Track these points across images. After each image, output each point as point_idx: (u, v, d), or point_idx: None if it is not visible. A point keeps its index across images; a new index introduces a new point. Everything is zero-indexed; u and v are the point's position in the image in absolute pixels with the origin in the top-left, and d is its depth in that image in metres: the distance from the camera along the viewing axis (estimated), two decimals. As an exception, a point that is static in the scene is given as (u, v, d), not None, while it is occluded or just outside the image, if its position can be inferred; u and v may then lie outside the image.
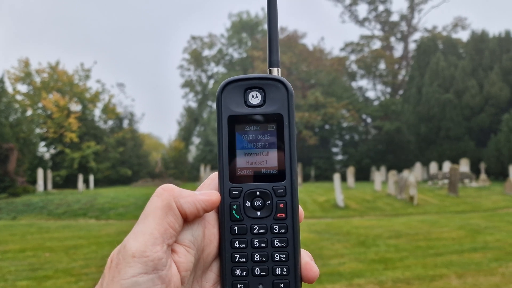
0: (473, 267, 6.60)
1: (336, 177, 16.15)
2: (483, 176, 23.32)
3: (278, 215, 0.57)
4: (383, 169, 31.07)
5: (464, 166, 24.39)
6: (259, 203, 0.57)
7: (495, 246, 8.18)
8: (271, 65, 0.61)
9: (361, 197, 17.98)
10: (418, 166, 29.21)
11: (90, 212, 15.84)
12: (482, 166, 25.82)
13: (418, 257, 7.40)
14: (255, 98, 0.59)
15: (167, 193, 0.53)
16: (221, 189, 0.58)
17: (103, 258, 7.94)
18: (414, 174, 18.50)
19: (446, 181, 21.75)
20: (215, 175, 0.59)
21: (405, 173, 21.70)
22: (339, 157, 40.27)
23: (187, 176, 39.07)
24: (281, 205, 0.57)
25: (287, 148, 0.58)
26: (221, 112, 0.58)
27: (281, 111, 0.58)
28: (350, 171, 24.15)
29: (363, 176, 33.30)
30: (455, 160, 26.34)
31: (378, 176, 21.51)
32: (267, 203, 0.57)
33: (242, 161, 0.58)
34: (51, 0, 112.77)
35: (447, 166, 24.59)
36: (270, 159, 0.58)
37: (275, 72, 0.61)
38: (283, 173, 0.58)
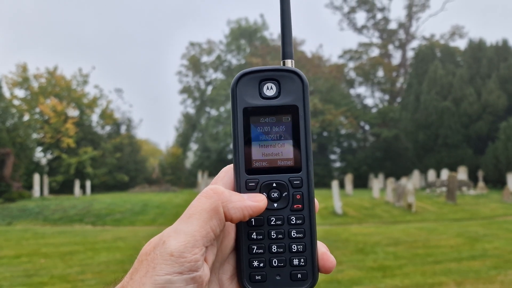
0: (472, 275, 6.57)
1: (334, 184, 16.12)
2: (481, 183, 23.34)
3: (295, 206, 0.57)
4: (381, 176, 31.04)
5: (462, 173, 24.40)
6: (275, 194, 0.57)
7: (494, 254, 8.15)
8: (284, 56, 0.61)
9: (359, 204, 17.95)
10: (416, 173, 29.23)
11: (86, 218, 15.75)
12: (480, 173, 25.86)
13: (416, 265, 7.36)
14: (270, 89, 0.59)
15: (216, 196, 0.52)
16: (237, 181, 0.57)
17: (99, 265, 7.87)
18: (412, 182, 18.51)
19: (444, 188, 21.73)
20: (229, 167, 0.59)
21: (403, 180, 21.71)
22: (337, 164, 40.29)
23: (184, 182, 38.95)
24: (298, 196, 0.57)
25: (302, 140, 0.58)
26: (236, 104, 0.58)
27: (296, 103, 0.58)
28: (348, 178, 24.11)
29: (361, 183, 33.27)
30: (453, 168, 26.32)
31: (376, 183, 21.50)
32: (283, 195, 0.57)
33: (257, 153, 0.58)
34: (49, 5, 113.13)
35: (445, 173, 24.60)
36: (285, 151, 0.58)
37: (289, 63, 0.60)
38: (299, 165, 0.58)
